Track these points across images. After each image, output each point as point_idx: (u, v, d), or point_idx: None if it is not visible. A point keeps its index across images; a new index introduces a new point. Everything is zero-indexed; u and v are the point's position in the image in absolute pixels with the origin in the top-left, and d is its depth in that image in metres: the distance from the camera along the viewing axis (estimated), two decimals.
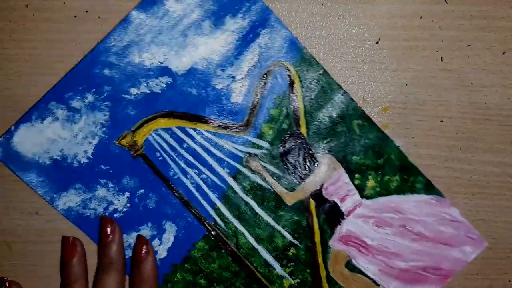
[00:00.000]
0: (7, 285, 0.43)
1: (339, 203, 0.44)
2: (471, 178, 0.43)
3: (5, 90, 0.43)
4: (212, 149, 0.43)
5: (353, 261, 0.44)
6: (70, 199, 0.43)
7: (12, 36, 0.42)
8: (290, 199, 0.44)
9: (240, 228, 0.44)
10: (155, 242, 0.44)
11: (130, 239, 0.43)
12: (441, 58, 0.42)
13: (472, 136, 0.43)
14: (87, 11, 0.42)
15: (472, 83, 0.42)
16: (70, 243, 0.42)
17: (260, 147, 0.43)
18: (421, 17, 0.42)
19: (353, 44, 0.42)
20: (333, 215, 0.44)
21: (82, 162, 0.43)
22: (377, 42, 0.42)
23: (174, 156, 0.43)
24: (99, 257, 0.42)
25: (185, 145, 0.43)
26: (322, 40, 0.42)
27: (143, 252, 0.42)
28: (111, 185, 0.43)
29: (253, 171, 0.44)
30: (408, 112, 0.43)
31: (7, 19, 0.42)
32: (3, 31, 0.42)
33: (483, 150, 0.43)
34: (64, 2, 0.42)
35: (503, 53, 0.42)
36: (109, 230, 0.42)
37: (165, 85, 0.42)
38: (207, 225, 0.44)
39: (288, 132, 0.43)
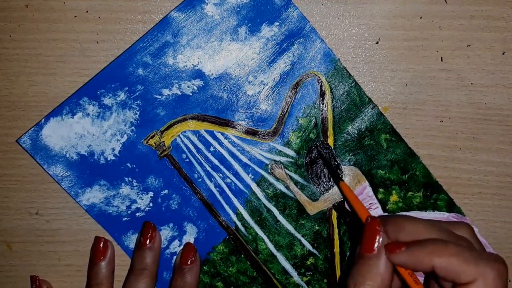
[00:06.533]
0: (37, 283, 0.43)
1: None
2: (471, 178, 0.44)
3: (5, 90, 0.43)
4: (238, 154, 0.43)
5: None
6: (94, 195, 0.43)
7: (12, 36, 0.42)
8: (312, 208, 0.44)
9: (261, 234, 0.44)
10: (175, 243, 0.44)
11: None
12: (441, 58, 0.42)
13: (472, 136, 0.43)
14: (87, 11, 0.42)
15: (472, 83, 0.43)
16: (101, 244, 0.42)
17: (286, 155, 0.43)
18: (421, 17, 0.42)
19: (353, 44, 0.43)
20: (354, 227, 0.44)
21: (108, 159, 0.43)
22: (377, 42, 0.42)
23: (200, 158, 0.43)
24: (134, 261, 0.42)
25: (212, 149, 0.43)
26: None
27: (190, 260, 0.42)
28: (136, 184, 0.43)
29: (277, 179, 0.44)
30: (408, 112, 0.43)
31: (7, 19, 0.42)
32: (3, 31, 0.42)
33: (483, 150, 0.43)
34: (64, 2, 0.42)
35: (503, 53, 0.42)
36: (150, 236, 0.42)
37: (196, 88, 0.42)
38: (228, 229, 0.44)
39: (315, 142, 0.43)
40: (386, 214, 0.44)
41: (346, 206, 0.44)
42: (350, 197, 0.38)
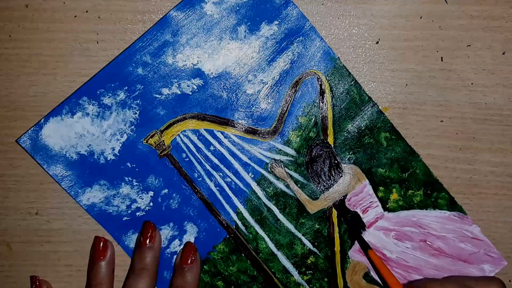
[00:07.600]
0: (37, 283, 0.43)
1: (361, 214, 0.44)
2: (471, 178, 0.44)
3: (5, 90, 0.43)
4: (238, 153, 0.43)
5: (371, 273, 0.44)
6: (94, 195, 0.43)
7: (12, 36, 0.42)
8: (312, 207, 0.44)
9: (261, 233, 0.44)
10: (176, 242, 0.44)
11: None
12: (441, 58, 0.42)
13: (472, 136, 0.43)
14: (87, 11, 0.42)
15: (472, 83, 0.43)
16: (101, 243, 0.42)
17: (286, 154, 0.43)
18: (421, 17, 0.42)
19: (353, 44, 0.43)
20: (354, 225, 0.44)
21: (108, 158, 0.43)
22: (377, 42, 0.42)
23: (200, 158, 0.43)
24: (134, 260, 0.42)
25: (212, 148, 0.43)
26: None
27: (190, 260, 0.42)
28: (136, 183, 0.43)
29: (277, 178, 0.44)
30: (408, 112, 0.43)
31: (7, 19, 0.42)
32: (3, 31, 0.42)
33: (483, 150, 0.43)
34: (64, 2, 0.42)
35: (503, 53, 0.42)
36: (150, 236, 0.42)
37: (196, 87, 0.42)
38: (228, 228, 0.44)
39: (315, 141, 0.43)
40: (386, 212, 0.44)
41: (347, 205, 0.44)
42: (380, 267, 0.39)
